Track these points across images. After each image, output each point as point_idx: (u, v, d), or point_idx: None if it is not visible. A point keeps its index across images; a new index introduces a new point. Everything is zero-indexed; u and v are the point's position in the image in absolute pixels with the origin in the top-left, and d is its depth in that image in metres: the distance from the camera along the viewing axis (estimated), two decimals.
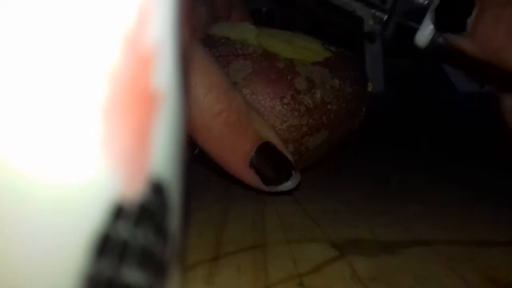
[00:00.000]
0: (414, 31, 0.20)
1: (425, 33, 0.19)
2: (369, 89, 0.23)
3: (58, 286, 0.07)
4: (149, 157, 0.08)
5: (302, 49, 0.22)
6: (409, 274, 0.13)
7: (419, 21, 0.20)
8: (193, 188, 0.23)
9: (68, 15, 0.07)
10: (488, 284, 0.12)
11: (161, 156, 0.08)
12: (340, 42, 0.22)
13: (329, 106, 0.21)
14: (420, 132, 0.34)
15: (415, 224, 0.17)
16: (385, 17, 0.21)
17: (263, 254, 0.14)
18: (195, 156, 0.25)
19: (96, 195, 0.07)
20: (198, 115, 0.18)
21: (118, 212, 0.07)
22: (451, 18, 0.18)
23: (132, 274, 0.08)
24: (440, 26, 0.19)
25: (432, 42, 0.19)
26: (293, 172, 0.19)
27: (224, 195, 0.22)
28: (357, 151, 0.33)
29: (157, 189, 0.08)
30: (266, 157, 0.19)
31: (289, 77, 0.20)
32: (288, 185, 0.19)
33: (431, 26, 0.19)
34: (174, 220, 0.09)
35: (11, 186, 0.07)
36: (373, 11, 0.21)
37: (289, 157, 0.19)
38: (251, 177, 0.19)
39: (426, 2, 0.20)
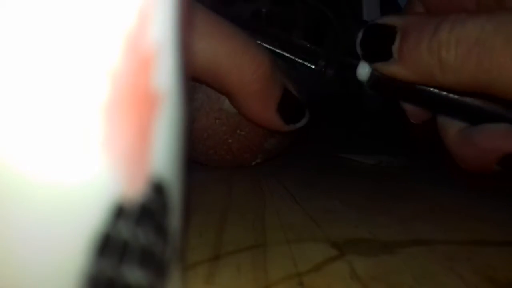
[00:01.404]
0: (354, 67, 0.21)
1: (365, 67, 0.21)
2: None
3: (59, 285, 0.07)
4: (149, 157, 0.08)
5: None
6: (408, 274, 0.13)
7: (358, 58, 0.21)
8: (193, 188, 0.23)
9: (70, 16, 0.07)
10: (487, 283, 0.12)
11: (162, 156, 0.08)
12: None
13: None
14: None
15: (415, 223, 0.17)
16: (325, 58, 0.23)
17: (263, 253, 0.14)
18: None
19: (97, 194, 0.07)
20: (239, 76, 0.21)
21: (119, 212, 0.07)
22: (376, 48, 0.19)
23: (132, 273, 0.08)
24: (367, 57, 0.20)
25: (372, 76, 0.21)
26: (305, 112, 0.23)
27: (225, 195, 0.22)
28: (356, 151, 0.33)
29: (157, 189, 0.08)
30: (287, 101, 0.22)
31: None
32: (304, 121, 0.23)
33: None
34: (174, 220, 0.09)
35: (12, 185, 0.07)
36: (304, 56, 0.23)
37: (300, 98, 0.23)
38: (277, 121, 0.22)
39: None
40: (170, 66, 0.08)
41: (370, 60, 0.20)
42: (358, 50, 0.20)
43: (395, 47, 0.18)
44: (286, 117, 0.22)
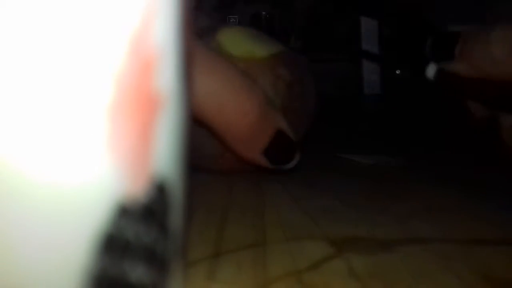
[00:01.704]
0: (424, 68, 0.25)
1: (432, 68, 0.25)
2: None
3: (62, 285, 0.07)
4: (152, 157, 0.08)
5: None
6: (406, 272, 0.13)
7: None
8: (194, 187, 0.23)
9: (74, 19, 0.07)
10: (484, 282, 0.12)
11: (164, 156, 0.08)
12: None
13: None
14: (417, 131, 0.34)
15: (412, 222, 0.17)
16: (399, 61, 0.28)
17: (263, 251, 0.14)
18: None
19: (100, 194, 0.07)
20: (225, 121, 0.20)
21: (122, 211, 0.07)
22: (442, 50, 0.24)
23: (135, 272, 0.08)
24: (435, 58, 0.25)
25: (439, 73, 0.25)
26: (296, 154, 0.22)
27: (225, 195, 0.22)
28: (355, 150, 0.33)
29: (160, 189, 0.08)
30: (277, 143, 0.22)
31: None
32: (289, 165, 0.23)
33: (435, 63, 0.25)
34: (176, 219, 0.09)
35: (16, 185, 0.07)
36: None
37: (294, 139, 0.22)
38: (262, 162, 0.22)
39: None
40: (173, 68, 0.08)
41: (437, 60, 0.25)
42: (428, 52, 0.25)
43: (457, 50, 0.24)
44: (273, 159, 0.22)
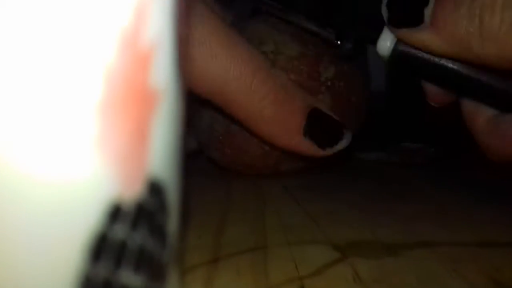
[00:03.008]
0: (375, 40, 0.19)
1: (386, 39, 0.18)
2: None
3: (55, 287, 0.07)
4: (146, 156, 0.08)
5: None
6: (412, 276, 0.12)
7: (380, 29, 0.18)
8: (192, 188, 0.23)
9: (65, 14, 0.07)
10: (492, 285, 0.12)
11: (159, 155, 0.08)
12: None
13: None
14: (420, 131, 0.34)
15: (418, 225, 0.17)
16: (340, 32, 0.20)
17: (263, 256, 0.14)
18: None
19: (93, 195, 0.07)
20: (248, 102, 0.19)
21: (116, 213, 0.07)
22: (405, 11, 0.17)
23: (129, 275, 0.07)
24: (394, 21, 0.17)
25: (395, 51, 0.18)
26: (344, 131, 0.20)
27: (224, 196, 0.22)
28: (357, 147, 0.33)
29: (155, 189, 0.08)
30: (318, 122, 0.20)
31: None
32: (343, 143, 0.20)
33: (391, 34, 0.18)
34: (172, 221, 0.09)
35: (6, 186, 0.07)
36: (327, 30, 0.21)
37: (336, 117, 0.20)
38: (308, 146, 0.20)
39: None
40: (167, 63, 0.08)
41: (397, 25, 0.17)
42: (384, 12, 0.17)
43: (428, 10, 0.16)
44: (319, 141, 0.20)
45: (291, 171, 0.25)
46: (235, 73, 0.18)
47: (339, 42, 0.20)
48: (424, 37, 0.16)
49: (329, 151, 0.20)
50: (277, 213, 0.19)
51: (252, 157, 0.24)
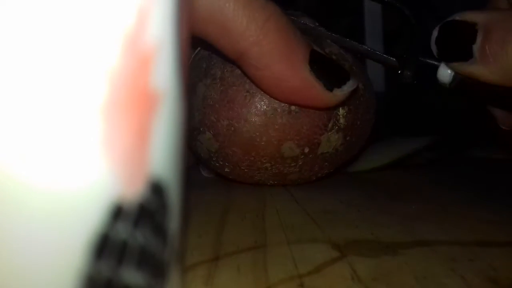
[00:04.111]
0: (435, 68, 0.19)
1: (447, 68, 0.19)
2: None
3: (58, 286, 0.07)
4: (148, 157, 0.08)
5: None
6: (410, 275, 0.12)
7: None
8: (193, 188, 0.23)
9: (68, 16, 0.07)
10: (489, 284, 0.12)
11: (161, 156, 0.08)
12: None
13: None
14: (420, 131, 0.34)
15: (416, 224, 0.17)
16: (401, 60, 0.20)
17: (263, 254, 0.14)
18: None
19: (96, 195, 0.07)
20: (246, 30, 0.17)
21: (118, 212, 0.07)
22: (454, 47, 0.18)
23: (131, 274, 0.08)
24: (443, 57, 0.18)
25: (455, 78, 0.19)
26: (347, 72, 0.19)
27: (224, 195, 0.22)
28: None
29: (156, 190, 0.08)
30: (321, 62, 0.18)
31: None
32: (350, 83, 0.19)
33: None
34: (173, 221, 0.09)
35: (10, 183, 0.07)
36: (385, 57, 0.21)
37: (335, 60, 0.19)
38: (314, 84, 0.18)
39: None
40: (169, 65, 0.08)
41: (447, 60, 0.18)
42: (433, 49, 0.18)
43: (476, 47, 0.17)
44: (326, 79, 0.18)
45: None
46: (233, 7, 0.17)
47: (399, 71, 0.20)
48: (475, 70, 0.17)
49: (337, 92, 0.19)
50: (276, 212, 0.19)
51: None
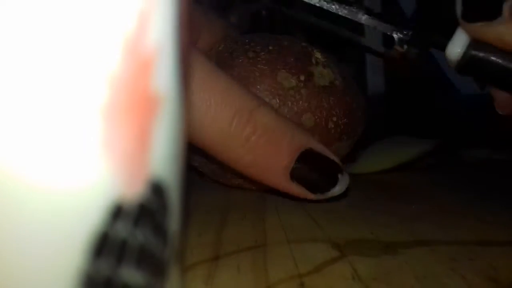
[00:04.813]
0: (443, 46, 0.18)
1: (457, 45, 0.18)
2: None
3: (57, 285, 0.07)
4: (149, 158, 0.08)
5: None
6: (410, 274, 0.12)
7: (448, 35, 0.18)
8: (193, 187, 0.23)
9: (69, 19, 0.07)
10: (489, 284, 0.12)
11: (161, 157, 0.08)
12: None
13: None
14: (420, 132, 0.34)
15: (416, 224, 0.17)
16: (409, 36, 0.19)
17: (263, 254, 0.14)
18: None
19: (96, 195, 0.07)
20: (227, 146, 0.17)
21: (117, 212, 0.07)
22: (482, 4, 0.16)
23: (131, 273, 0.08)
24: (469, 16, 0.17)
25: (465, 55, 0.18)
26: (339, 175, 0.18)
27: (224, 195, 0.22)
28: (358, 151, 0.33)
29: (156, 190, 0.08)
30: (309, 165, 0.18)
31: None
32: (336, 190, 0.18)
33: (464, 37, 0.17)
34: (173, 220, 0.09)
35: (10, 183, 0.07)
36: (395, 31, 0.19)
37: (334, 159, 0.19)
38: (295, 190, 0.18)
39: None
40: (170, 68, 0.08)
41: (472, 19, 0.17)
42: (458, 7, 0.17)
43: (508, 4, 0.15)
44: (310, 185, 0.18)
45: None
46: (209, 117, 0.17)
47: (405, 47, 0.19)
48: (502, 31, 0.16)
49: (319, 197, 0.19)
50: (277, 211, 0.19)
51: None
